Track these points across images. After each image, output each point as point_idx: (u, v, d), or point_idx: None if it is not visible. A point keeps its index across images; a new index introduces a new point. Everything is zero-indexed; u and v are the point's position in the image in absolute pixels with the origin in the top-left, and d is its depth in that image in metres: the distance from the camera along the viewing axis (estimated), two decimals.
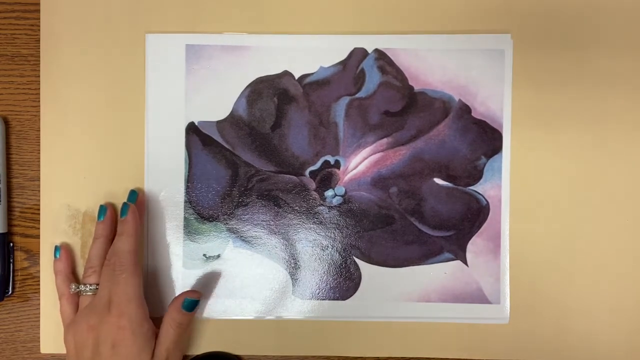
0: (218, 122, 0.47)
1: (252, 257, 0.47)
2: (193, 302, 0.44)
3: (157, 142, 0.47)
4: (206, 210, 0.47)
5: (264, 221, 0.47)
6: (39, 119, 0.48)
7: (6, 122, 0.48)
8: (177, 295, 0.46)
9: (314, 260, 0.47)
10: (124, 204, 0.46)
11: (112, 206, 0.47)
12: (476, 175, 0.47)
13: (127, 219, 0.45)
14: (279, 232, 0.47)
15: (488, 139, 0.47)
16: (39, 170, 0.48)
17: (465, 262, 0.47)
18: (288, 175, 0.47)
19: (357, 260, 0.47)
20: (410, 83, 0.47)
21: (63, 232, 0.48)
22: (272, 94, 0.47)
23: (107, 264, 0.44)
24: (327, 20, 0.47)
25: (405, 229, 0.47)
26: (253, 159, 0.47)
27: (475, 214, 0.47)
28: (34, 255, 0.48)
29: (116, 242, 0.44)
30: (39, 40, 0.48)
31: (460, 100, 0.47)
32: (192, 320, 0.46)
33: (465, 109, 0.47)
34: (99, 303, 0.43)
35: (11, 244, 0.48)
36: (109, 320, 0.42)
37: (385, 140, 0.47)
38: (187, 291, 0.45)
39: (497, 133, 0.47)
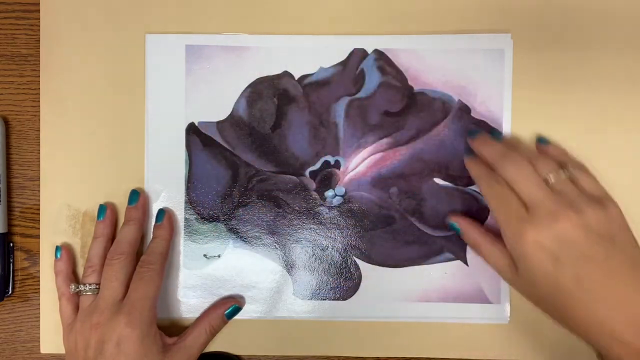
0: (218, 122, 0.47)
1: (253, 258, 0.47)
2: (239, 309, 0.47)
3: (157, 142, 0.47)
4: (206, 210, 0.47)
5: (264, 221, 0.47)
6: (39, 119, 0.48)
7: (6, 122, 0.48)
8: (218, 300, 0.47)
9: (314, 261, 0.47)
10: (161, 210, 0.47)
11: (112, 206, 0.47)
12: None
13: (164, 224, 0.46)
14: (279, 232, 0.47)
15: None
16: (39, 170, 0.48)
17: (466, 262, 0.47)
18: (288, 176, 0.47)
19: (357, 260, 0.47)
20: (410, 83, 0.47)
21: (63, 232, 0.48)
22: (272, 95, 0.47)
23: (108, 263, 0.44)
24: (327, 21, 0.47)
25: (406, 229, 0.47)
26: (253, 160, 0.47)
27: (475, 214, 0.47)
28: (34, 255, 0.48)
29: (151, 243, 0.45)
30: (39, 40, 0.48)
31: (460, 100, 0.47)
32: None
33: (465, 109, 0.47)
34: (104, 302, 0.43)
35: (11, 244, 0.48)
36: (117, 317, 0.42)
37: (385, 140, 0.47)
38: (231, 298, 0.47)
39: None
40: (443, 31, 0.47)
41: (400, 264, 0.47)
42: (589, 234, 0.38)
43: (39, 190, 0.48)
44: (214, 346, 0.48)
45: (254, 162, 0.47)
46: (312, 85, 0.47)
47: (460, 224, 0.45)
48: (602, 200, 0.40)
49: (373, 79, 0.47)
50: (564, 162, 0.42)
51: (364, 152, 0.47)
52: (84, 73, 0.47)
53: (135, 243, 0.45)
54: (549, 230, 0.38)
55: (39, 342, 0.48)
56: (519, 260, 0.40)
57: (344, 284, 0.47)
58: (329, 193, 0.47)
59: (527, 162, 0.41)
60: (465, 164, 0.45)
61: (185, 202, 0.47)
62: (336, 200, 0.47)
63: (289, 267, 0.47)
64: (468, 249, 0.47)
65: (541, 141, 0.46)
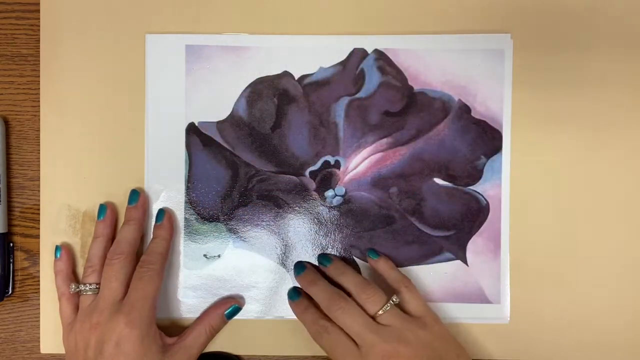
0: (218, 122, 0.47)
1: (253, 258, 0.47)
2: (239, 309, 0.47)
3: (157, 142, 0.47)
4: (206, 210, 0.47)
5: (264, 221, 0.47)
6: (39, 119, 0.48)
7: (6, 122, 0.48)
8: (218, 300, 0.47)
9: (314, 261, 0.47)
10: (161, 210, 0.47)
11: (113, 205, 0.47)
12: (476, 175, 0.47)
13: (164, 224, 0.46)
14: (279, 232, 0.47)
15: (488, 139, 0.47)
16: (39, 170, 0.48)
17: (466, 262, 0.47)
18: (288, 176, 0.47)
19: (357, 260, 0.47)
20: (410, 83, 0.47)
21: (63, 232, 0.48)
22: (272, 95, 0.47)
23: (108, 263, 0.44)
24: (327, 21, 0.47)
25: (406, 229, 0.47)
26: (253, 160, 0.47)
27: (475, 214, 0.47)
28: (34, 255, 0.48)
29: (151, 243, 0.45)
30: (39, 40, 0.48)
31: (459, 100, 0.47)
32: None
33: (465, 109, 0.47)
34: (104, 302, 0.43)
35: (11, 244, 0.48)
36: (116, 317, 0.42)
37: (385, 140, 0.47)
38: (230, 298, 0.47)
39: (497, 133, 0.47)
40: (443, 31, 0.47)
41: (400, 264, 0.47)
42: None
43: (39, 190, 0.48)
44: (214, 346, 0.48)
45: (254, 162, 0.47)
46: (312, 85, 0.47)
47: None
48: (425, 320, 0.43)
49: (373, 78, 0.47)
50: (393, 285, 0.44)
51: (364, 152, 0.47)
52: (84, 73, 0.47)
53: (135, 243, 0.45)
54: None
55: (39, 342, 0.48)
56: None
57: None
58: (329, 193, 0.47)
59: (353, 305, 0.43)
60: (291, 308, 0.46)
61: (185, 202, 0.47)
62: (336, 200, 0.47)
63: (289, 267, 0.47)
64: (468, 248, 0.47)
65: (371, 255, 0.46)
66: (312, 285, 0.45)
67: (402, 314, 0.43)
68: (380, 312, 0.42)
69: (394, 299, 0.43)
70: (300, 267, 0.46)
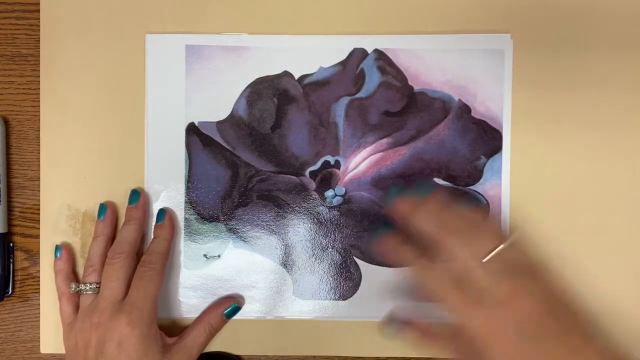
0: (218, 122, 0.47)
1: (253, 258, 0.47)
2: (239, 308, 0.47)
3: (157, 142, 0.47)
4: (206, 210, 0.47)
5: (264, 221, 0.47)
6: (39, 119, 0.48)
7: (6, 122, 0.48)
8: (217, 300, 0.47)
9: (314, 261, 0.47)
10: (162, 209, 0.47)
11: (113, 205, 0.47)
12: (476, 175, 0.47)
13: (165, 223, 0.46)
14: (279, 232, 0.47)
15: (488, 138, 0.47)
16: (39, 170, 0.48)
17: None
18: (288, 176, 0.47)
19: (357, 260, 0.47)
20: (410, 83, 0.47)
21: (63, 232, 0.48)
22: (272, 95, 0.47)
23: (108, 262, 0.44)
24: (327, 21, 0.47)
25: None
26: (253, 160, 0.47)
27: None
28: (34, 255, 0.48)
29: (151, 243, 0.45)
30: (39, 40, 0.48)
31: (460, 100, 0.47)
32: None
33: (465, 109, 0.47)
34: (104, 301, 0.43)
35: (11, 244, 0.48)
36: (117, 317, 0.42)
37: (385, 140, 0.47)
38: (230, 298, 0.47)
39: (497, 133, 0.47)
40: (443, 31, 0.47)
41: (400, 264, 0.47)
42: (545, 308, 0.37)
43: (39, 190, 0.48)
44: (214, 346, 0.48)
45: (254, 162, 0.47)
46: (312, 85, 0.47)
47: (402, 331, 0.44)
48: (535, 271, 0.39)
49: (373, 78, 0.47)
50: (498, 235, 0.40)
51: (364, 152, 0.47)
52: (84, 73, 0.47)
53: (135, 243, 0.45)
54: (508, 314, 0.37)
55: (39, 342, 0.48)
56: (476, 345, 0.38)
57: (344, 284, 0.47)
58: (329, 193, 0.47)
59: (471, 237, 0.39)
60: (379, 248, 0.44)
61: (185, 202, 0.47)
62: (336, 200, 0.47)
63: (289, 267, 0.47)
64: None
65: (424, 188, 0.44)
66: (421, 211, 0.40)
67: (515, 261, 0.39)
68: (495, 252, 0.38)
69: (508, 241, 0.38)
70: (394, 190, 0.43)
